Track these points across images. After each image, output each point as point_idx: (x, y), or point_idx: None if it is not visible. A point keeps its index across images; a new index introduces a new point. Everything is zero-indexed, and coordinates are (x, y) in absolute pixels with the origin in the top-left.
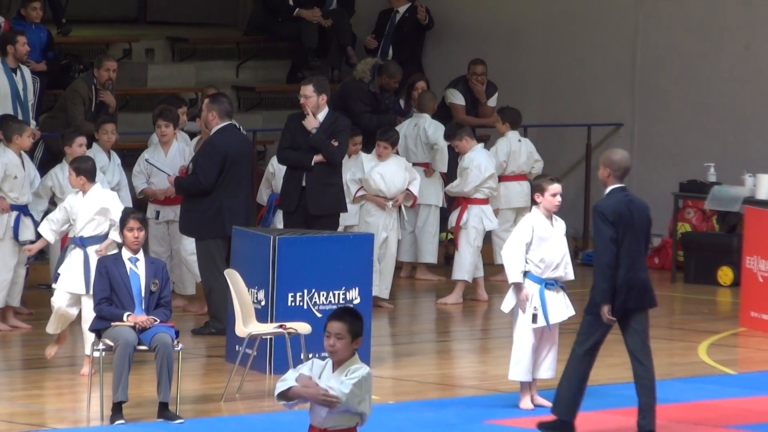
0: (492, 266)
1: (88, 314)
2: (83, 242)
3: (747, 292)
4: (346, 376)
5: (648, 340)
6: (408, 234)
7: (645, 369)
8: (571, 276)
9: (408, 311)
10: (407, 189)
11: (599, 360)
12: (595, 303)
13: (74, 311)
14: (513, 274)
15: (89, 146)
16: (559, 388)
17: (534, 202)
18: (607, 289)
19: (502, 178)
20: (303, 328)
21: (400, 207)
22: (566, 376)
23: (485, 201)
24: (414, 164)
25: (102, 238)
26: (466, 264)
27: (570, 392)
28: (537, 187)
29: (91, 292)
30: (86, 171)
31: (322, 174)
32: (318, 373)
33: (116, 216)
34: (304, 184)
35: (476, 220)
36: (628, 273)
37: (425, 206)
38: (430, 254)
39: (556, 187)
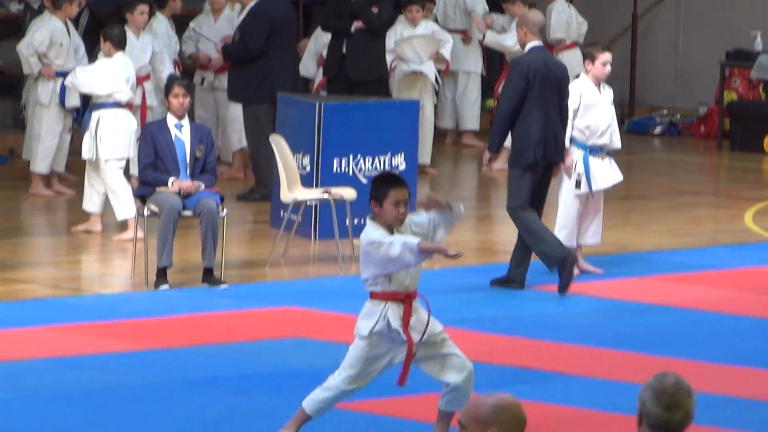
0: None
1: (109, 181)
2: (101, 106)
3: None
4: (411, 231)
5: (546, 193)
6: (449, 101)
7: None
8: (617, 144)
9: (450, 177)
10: (438, 52)
11: (643, 227)
12: (516, 156)
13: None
14: None
15: (151, 14)
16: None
17: (584, 70)
18: (499, 139)
19: (553, 48)
20: (348, 193)
21: (435, 74)
22: (519, 237)
23: None
24: (451, 31)
25: (113, 104)
26: None
27: (520, 250)
28: (588, 55)
29: (105, 158)
30: (112, 37)
31: (362, 40)
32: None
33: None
34: (344, 50)
35: None
36: (544, 128)
37: (464, 73)
38: (471, 121)
39: (606, 56)
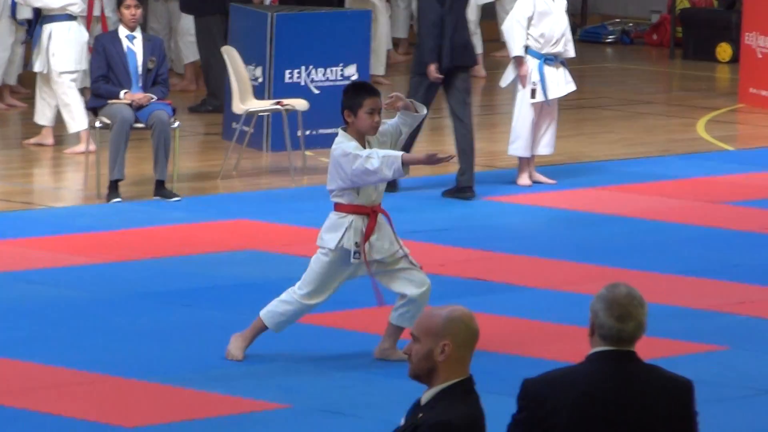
0: (495, 42)
1: (62, 93)
2: (52, 19)
3: (746, 68)
4: (379, 142)
5: (469, 99)
6: (402, 10)
7: (464, 126)
8: (571, 53)
9: (406, 88)
10: None
11: (596, 136)
12: (422, 62)
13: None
14: (514, 48)
15: None
16: None
17: None
18: (432, 48)
19: None
20: (300, 104)
21: None
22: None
23: None
24: None
25: (65, 16)
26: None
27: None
28: None
29: (58, 70)
30: None
31: None
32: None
33: None
34: None
35: None
36: (454, 33)
37: None
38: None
39: None
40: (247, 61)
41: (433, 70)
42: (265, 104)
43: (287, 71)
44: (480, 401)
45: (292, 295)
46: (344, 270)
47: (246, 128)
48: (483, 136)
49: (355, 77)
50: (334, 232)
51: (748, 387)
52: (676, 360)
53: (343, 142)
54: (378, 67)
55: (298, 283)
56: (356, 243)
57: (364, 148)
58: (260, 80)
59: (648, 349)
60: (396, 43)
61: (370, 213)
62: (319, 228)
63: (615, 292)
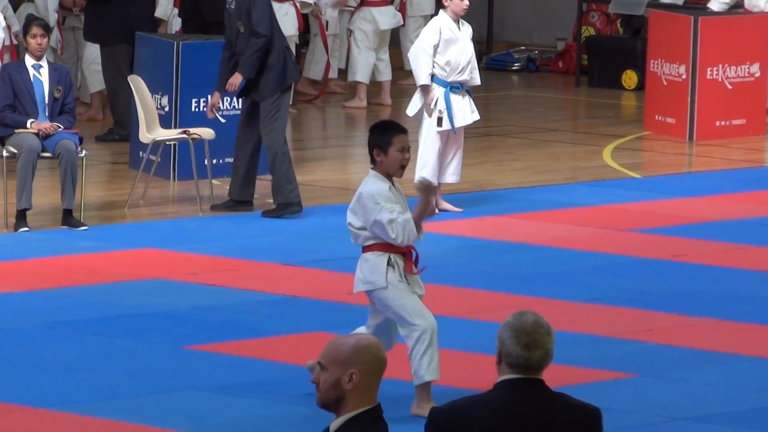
0: (401, 71)
1: None
2: None
3: (651, 95)
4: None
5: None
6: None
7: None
8: (477, 81)
9: (312, 116)
10: None
11: (502, 164)
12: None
13: None
14: (421, 77)
15: None
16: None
17: (441, 6)
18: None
19: None
20: (207, 133)
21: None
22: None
23: (378, 2)
24: None
25: None
26: (357, 65)
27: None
28: None
29: None
30: None
31: None
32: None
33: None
34: None
35: (362, 22)
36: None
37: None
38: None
39: None
40: (154, 90)
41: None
42: (172, 133)
43: (194, 100)
44: (388, 430)
45: (414, 335)
46: (405, 285)
47: (153, 157)
48: None
49: None
50: (377, 271)
51: (656, 414)
52: (583, 388)
53: (376, 185)
54: None
55: (407, 327)
56: (400, 275)
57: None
58: (167, 109)
59: (555, 377)
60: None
61: (405, 252)
62: (223, 256)
63: (522, 320)
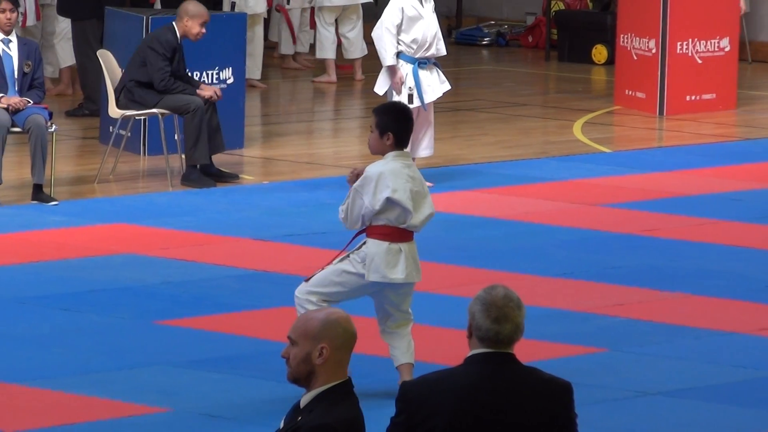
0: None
1: None
2: None
3: (621, 70)
4: None
5: None
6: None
7: None
8: (443, 51)
9: (282, 91)
10: None
11: (472, 139)
12: None
13: None
14: (386, 57)
15: None
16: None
17: None
18: None
19: None
20: None
21: None
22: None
23: None
24: None
25: None
26: (324, 41)
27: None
28: None
29: None
30: None
31: None
32: None
33: None
34: None
35: None
36: None
37: None
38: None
39: None
40: (123, 65)
41: None
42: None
43: None
44: (359, 404)
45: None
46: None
47: (122, 132)
48: (360, 139)
49: (230, 81)
50: (394, 265)
51: (627, 389)
52: (554, 362)
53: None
54: (254, 70)
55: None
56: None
57: None
58: None
59: (526, 352)
60: (272, 46)
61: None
62: (193, 231)
63: (492, 294)
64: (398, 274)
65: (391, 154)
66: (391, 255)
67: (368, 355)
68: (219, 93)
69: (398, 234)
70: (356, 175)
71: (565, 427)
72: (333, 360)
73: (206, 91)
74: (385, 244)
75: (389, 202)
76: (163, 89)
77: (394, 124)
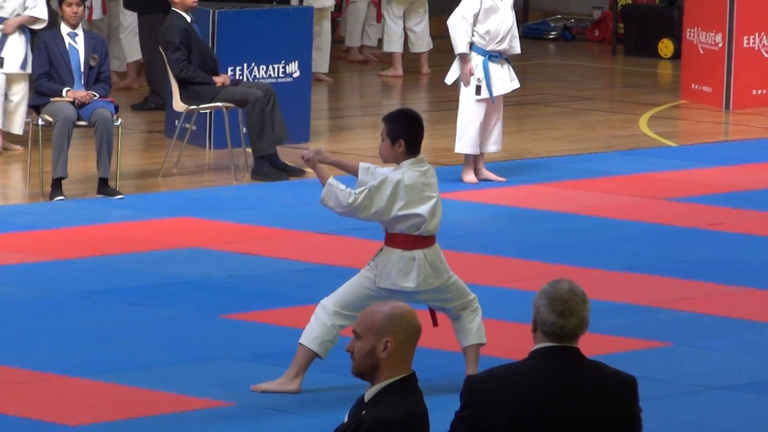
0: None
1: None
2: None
3: (687, 64)
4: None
5: None
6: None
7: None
8: (517, 50)
9: (349, 85)
10: None
11: (539, 133)
12: None
13: None
14: (459, 45)
15: None
16: None
17: None
18: None
19: None
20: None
21: None
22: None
23: None
24: None
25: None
26: (392, 35)
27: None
28: None
29: (9, 70)
30: None
31: None
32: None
33: None
34: None
35: None
36: None
37: None
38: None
39: None
40: None
41: None
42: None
43: (229, 68)
44: (423, 398)
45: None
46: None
47: (187, 125)
48: (427, 132)
49: (297, 74)
50: (406, 274)
51: (692, 383)
52: (619, 356)
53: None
54: (321, 64)
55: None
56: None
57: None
58: None
59: (591, 346)
60: (340, 39)
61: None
62: (258, 225)
63: (557, 288)
64: (409, 283)
65: (406, 163)
66: (403, 262)
67: (433, 349)
68: (227, 81)
69: (414, 242)
70: (317, 153)
71: (629, 422)
72: (397, 354)
73: (218, 80)
74: (398, 251)
75: (402, 215)
76: (184, 79)
77: (405, 131)
